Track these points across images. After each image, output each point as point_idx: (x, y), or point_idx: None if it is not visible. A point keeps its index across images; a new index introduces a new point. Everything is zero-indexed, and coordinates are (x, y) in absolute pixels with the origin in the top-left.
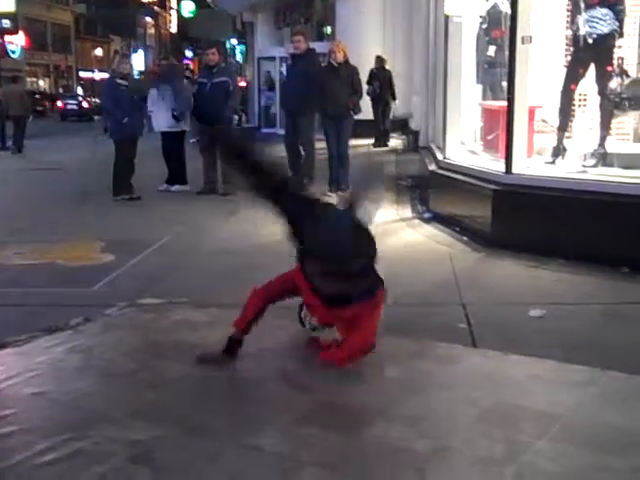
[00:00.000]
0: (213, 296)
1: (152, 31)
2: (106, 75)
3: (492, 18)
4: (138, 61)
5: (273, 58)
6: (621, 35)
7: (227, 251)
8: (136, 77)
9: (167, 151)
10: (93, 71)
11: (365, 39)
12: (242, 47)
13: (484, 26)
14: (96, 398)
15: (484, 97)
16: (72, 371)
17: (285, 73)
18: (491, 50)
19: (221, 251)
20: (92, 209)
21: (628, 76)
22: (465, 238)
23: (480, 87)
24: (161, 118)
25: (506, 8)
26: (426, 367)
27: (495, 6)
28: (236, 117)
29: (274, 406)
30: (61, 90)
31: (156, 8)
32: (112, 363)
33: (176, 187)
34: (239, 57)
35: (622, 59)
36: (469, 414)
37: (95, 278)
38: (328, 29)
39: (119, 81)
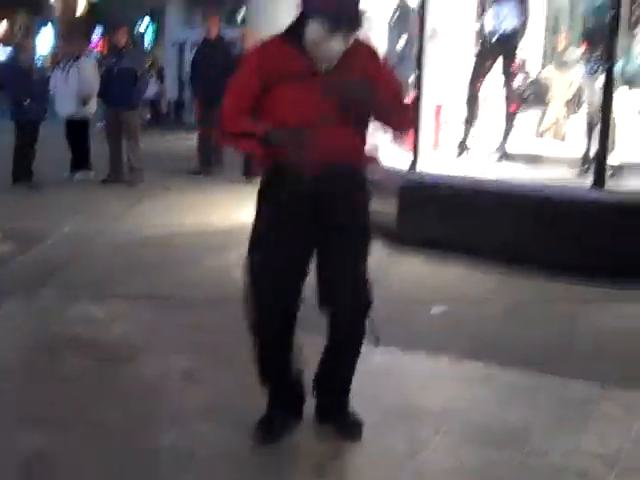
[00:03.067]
0: (114, 288)
1: (59, 8)
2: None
3: (401, 13)
4: (45, 39)
5: (185, 42)
6: (525, 32)
7: (130, 241)
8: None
9: (71, 136)
10: None
11: (279, 25)
12: (153, 29)
13: (394, 19)
14: None
15: None
16: None
17: (194, 58)
18: (400, 44)
19: (124, 242)
20: None
21: (531, 74)
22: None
23: None
24: (65, 102)
25: (414, 3)
26: None
27: (404, 1)
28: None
29: (172, 402)
30: None
31: None
32: (3, 357)
33: (80, 173)
34: (149, 40)
35: (525, 58)
36: (371, 412)
37: None
38: (241, 13)
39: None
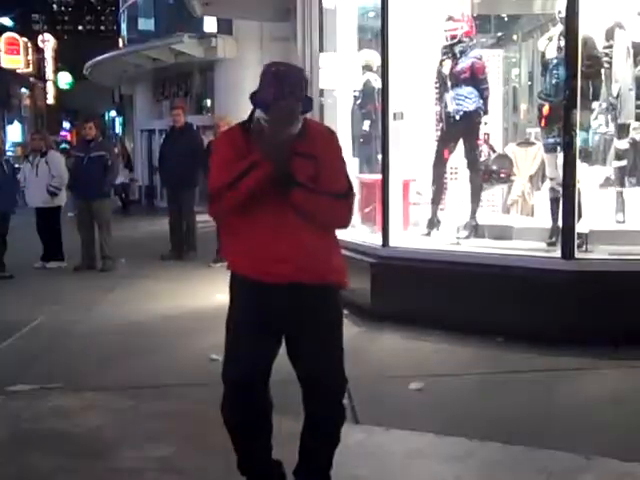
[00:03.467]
0: (89, 380)
1: (28, 102)
2: None
3: (366, 93)
4: (14, 133)
5: (153, 130)
6: (486, 112)
7: (104, 331)
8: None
9: (42, 226)
10: None
11: (245, 110)
12: (121, 119)
13: (358, 101)
14: None
15: (360, 170)
16: None
17: (162, 146)
18: (366, 124)
19: (98, 331)
20: None
21: (494, 151)
22: (345, 312)
23: (357, 160)
24: (35, 193)
25: (378, 84)
26: None
27: (368, 82)
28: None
29: None
30: None
31: (32, 79)
32: None
33: (52, 264)
34: (118, 129)
35: (488, 135)
36: None
37: None
38: (207, 102)
39: None
